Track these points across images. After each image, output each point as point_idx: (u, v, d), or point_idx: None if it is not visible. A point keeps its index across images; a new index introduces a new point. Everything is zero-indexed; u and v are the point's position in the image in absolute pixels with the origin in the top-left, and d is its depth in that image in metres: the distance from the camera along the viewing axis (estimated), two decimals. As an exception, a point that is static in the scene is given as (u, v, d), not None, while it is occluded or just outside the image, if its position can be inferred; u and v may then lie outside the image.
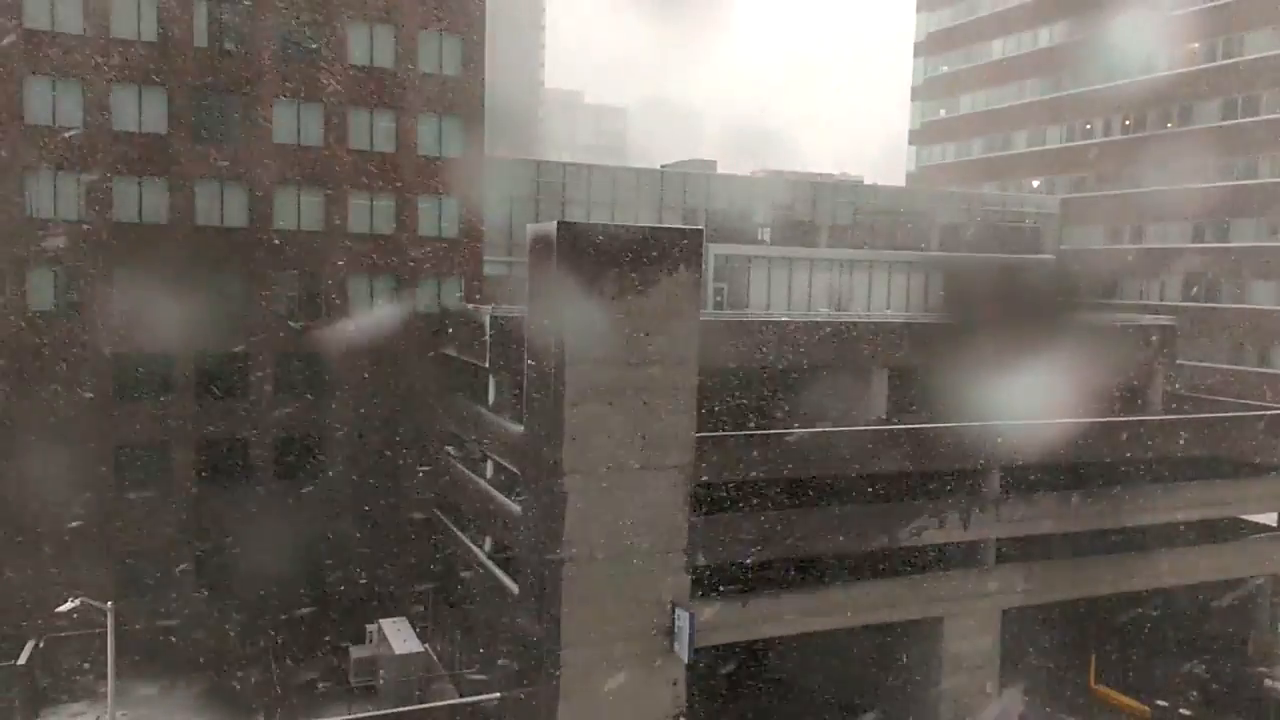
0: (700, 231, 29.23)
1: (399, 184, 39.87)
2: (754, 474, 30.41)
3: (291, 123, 38.30)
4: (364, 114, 39.28)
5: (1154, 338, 40.64)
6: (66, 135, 35.07)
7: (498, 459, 33.58)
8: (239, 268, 37.54)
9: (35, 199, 35.26)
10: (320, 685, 35.36)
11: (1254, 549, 38.34)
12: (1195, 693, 36.32)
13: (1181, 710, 34.47)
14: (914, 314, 50.94)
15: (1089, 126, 65.59)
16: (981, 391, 32.21)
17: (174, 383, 37.13)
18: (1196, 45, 58.89)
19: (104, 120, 35.65)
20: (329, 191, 38.87)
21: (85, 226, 35.63)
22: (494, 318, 32.77)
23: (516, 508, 30.85)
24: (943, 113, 77.57)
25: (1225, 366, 56.00)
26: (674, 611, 28.31)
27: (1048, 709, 34.04)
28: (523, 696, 29.35)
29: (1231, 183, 56.88)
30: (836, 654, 34.35)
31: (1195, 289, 58.80)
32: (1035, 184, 68.68)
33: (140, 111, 36.21)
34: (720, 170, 54.01)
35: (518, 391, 31.12)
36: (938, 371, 34.92)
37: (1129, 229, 63.07)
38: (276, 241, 38.15)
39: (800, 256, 50.36)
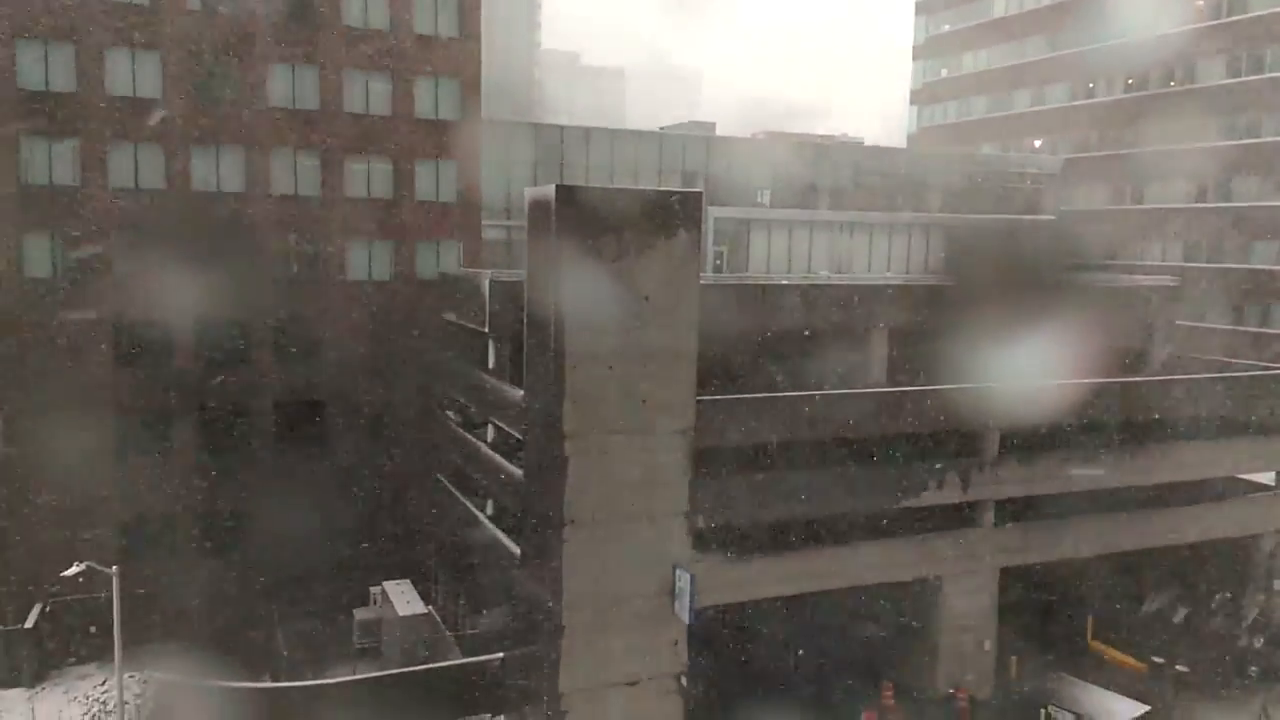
0: (699, 195, 29.09)
1: (396, 148, 39.61)
2: (755, 437, 30.53)
3: (287, 87, 38.00)
4: (360, 77, 38.95)
5: (1154, 299, 40.59)
6: (60, 100, 34.80)
7: (498, 423, 33.69)
8: (236, 233, 37.37)
9: (29, 165, 35.06)
10: (324, 647, 35.74)
11: (1252, 507, 38.57)
12: (1191, 649, 36.72)
13: (1178, 666, 34.87)
14: (914, 276, 50.87)
15: (1091, 86, 65.03)
16: (981, 353, 32.24)
17: (173, 349, 37.15)
18: (1201, 2, 58.21)
19: (98, 84, 35.34)
20: (325, 156, 38.64)
21: (81, 193, 35.46)
22: (493, 282, 32.71)
23: (518, 471, 31.00)
24: (944, 72, 76.85)
25: (1226, 327, 55.98)
26: (675, 572, 28.56)
27: (1048, 666, 34.41)
28: (525, 657, 29.69)
29: (1234, 142, 56.49)
30: (836, 613, 34.69)
31: (1196, 250, 58.63)
32: (1037, 144, 68.22)
33: (134, 75, 35.90)
34: (719, 133, 53.64)
35: (517, 356, 31.15)
36: (938, 334, 34.90)
37: (1130, 189, 62.75)
38: (274, 207, 37.99)
39: (800, 219, 50.15)
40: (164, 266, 35.95)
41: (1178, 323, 42.98)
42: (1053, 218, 58.13)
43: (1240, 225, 56.09)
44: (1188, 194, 59.37)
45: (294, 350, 38.65)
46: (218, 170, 37.30)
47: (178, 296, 35.96)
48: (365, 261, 39.76)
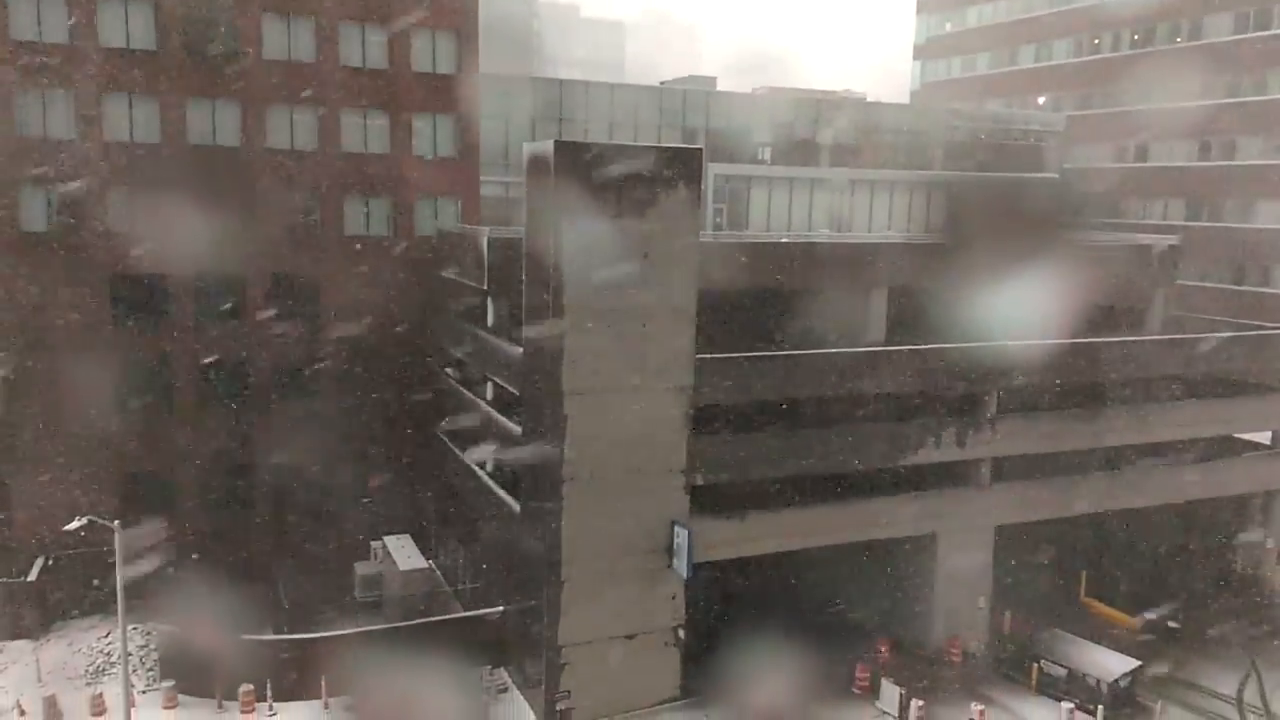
0: (699, 151, 28.87)
1: (393, 102, 39.19)
2: (753, 395, 30.60)
3: (282, 39, 37.50)
4: (356, 29, 38.42)
5: (1156, 258, 40.45)
6: (53, 52, 34.36)
7: (498, 380, 33.73)
8: (233, 188, 37.08)
9: (23, 118, 34.71)
10: (326, 600, 36.09)
11: (1246, 467, 38.78)
12: (1184, 605, 37.13)
13: (1170, 623, 35.29)
14: (915, 234, 50.63)
15: (1097, 42, 64.24)
16: (981, 312, 32.22)
17: (171, 304, 37.06)
18: (1210, -44, 57.36)
19: (92, 37, 34.87)
20: (322, 109, 38.24)
21: (76, 146, 35.14)
22: (492, 239, 32.56)
23: (517, 428, 31.10)
24: (948, 27, 75.87)
25: (1227, 287, 55.88)
26: (673, 529, 28.80)
27: (1041, 621, 34.78)
28: (525, 610, 30.02)
29: (1240, 100, 55.96)
30: (833, 569, 34.99)
31: (1199, 209, 58.31)
32: (1041, 101, 67.56)
33: (128, 27, 35.40)
34: (720, 87, 53.05)
35: (516, 313, 31.10)
36: (938, 292, 34.84)
37: (1134, 147, 62.27)
38: (270, 161, 37.67)
39: (801, 176, 49.78)
40: (160, 221, 35.75)
41: (1179, 282, 42.89)
42: (1056, 175, 57.72)
43: (1244, 184, 55.74)
44: (1191, 152, 58.93)
45: (292, 306, 38.54)
46: (213, 124, 36.93)
47: (174, 251, 35.81)
48: (362, 217, 39.52)
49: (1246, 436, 40.01)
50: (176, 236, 35.53)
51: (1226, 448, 39.73)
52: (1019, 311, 32.06)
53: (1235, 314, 47.90)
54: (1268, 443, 39.69)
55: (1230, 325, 40.87)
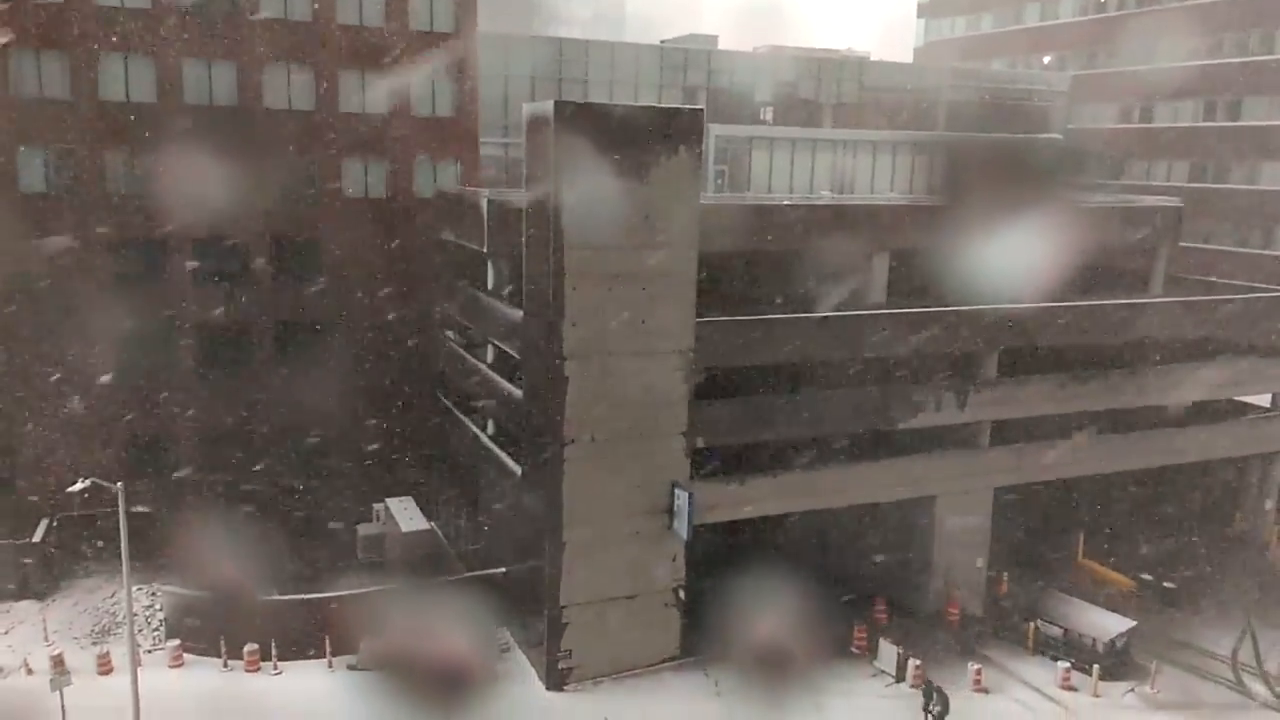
0: (700, 112, 28.58)
1: (391, 61, 38.73)
2: (754, 358, 30.59)
3: (279, -3, 37.02)
4: (353, -14, 37.90)
5: (1158, 219, 40.22)
6: (47, 11, 33.92)
7: (498, 343, 33.71)
8: (230, 149, 36.71)
9: (18, 77, 34.35)
10: (328, 561, 36.34)
11: (1246, 429, 38.88)
12: (1180, 566, 37.40)
13: (1165, 584, 35.57)
14: (917, 196, 50.31)
15: (1102, 0, 63.39)
16: (983, 273, 32.06)
17: (171, 267, 36.93)
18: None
19: (84, -6, 34.43)
20: (319, 69, 37.82)
21: (71, 106, 34.80)
22: (491, 201, 32.36)
23: (518, 391, 31.13)
24: (953, -16, 74.88)
25: (1229, 249, 55.62)
26: (673, 491, 28.93)
27: (1038, 583, 35.08)
28: (527, 571, 30.25)
29: (1247, 59, 55.32)
30: (831, 531, 35.23)
31: (1204, 170, 57.88)
32: (1046, 60, 66.80)
33: (121, -15, 34.94)
34: (722, 46, 52.44)
35: (516, 276, 31.00)
36: (940, 254, 34.66)
37: (1139, 108, 61.67)
38: (268, 121, 37.31)
39: (803, 137, 49.36)
40: (158, 182, 35.53)
41: (1181, 244, 42.68)
42: (1059, 136, 57.25)
43: (1249, 145, 55.29)
44: (1197, 113, 58.37)
45: (292, 267, 38.41)
46: (210, 83, 36.54)
47: (172, 213, 35.64)
48: (361, 178, 39.25)
49: (1247, 399, 40.11)
50: (174, 198, 35.34)
51: (1228, 410, 39.83)
52: (1020, 273, 31.93)
53: (1238, 276, 47.69)
54: (1268, 405, 39.78)
55: (1232, 288, 40.71)
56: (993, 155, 51.34)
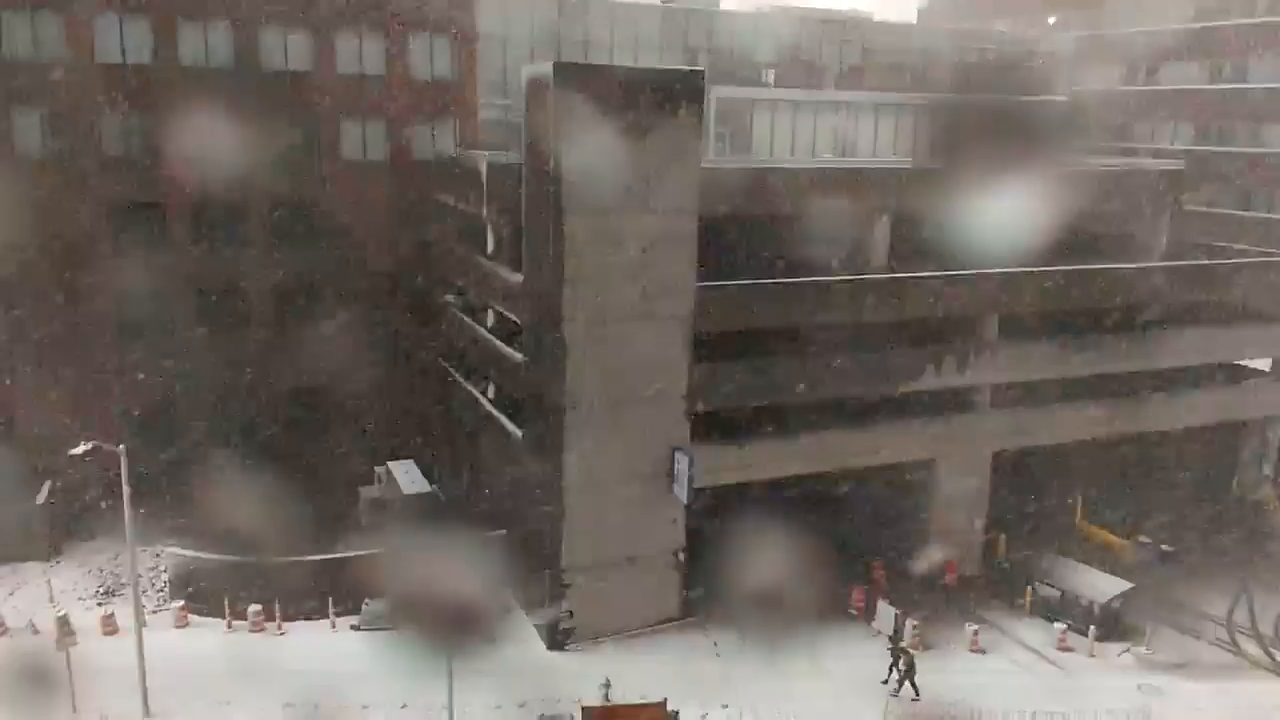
0: (702, 73, 28.31)
1: (389, 21, 38.30)
2: (755, 322, 30.56)
3: (273, -44, 36.52)
4: (349, -55, 37.41)
5: (1161, 182, 40.02)
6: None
7: (498, 307, 33.66)
8: (227, 110, 36.43)
9: (11, 39, 34.00)
10: (330, 524, 36.52)
11: (1246, 393, 38.95)
12: (1178, 530, 37.63)
13: (1162, 546, 35.80)
14: (920, 159, 49.96)
15: (1110, -42, 62.52)
16: (984, 237, 31.94)
17: (169, 229, 36.76)
18: None
19: (77, -47, 34.00)
20: (316, 30, 37.40)
21: (66, 67, 34.48)
22: (490, 164, 32.16)
23: (518, 356, 31.14)
24: (957, -57, 73.75)
25: (1233, 212, 55.30)
26: (674, 455, 29.05)
27: (1036, 545, 35.29)
28: (529, 534, 30.45)
29: (1256, 20, 54.66)
30: (830, 494, 35.35)
31: (1208, 132, 57.40)
32: (1051, 21, 66.00)
33: (114, -57, 34.49)
34: (724, 7, 51.82)
35: (516, 240, 30.89)
36: (941, 218, 34.52)
37: (1144, 69, 61.02)
38: (264, 83, 36.97)
39: (805, 99, 48.90)
40: (154, 144, 35.31)
41: (1186, 207, 42.49)
42: (1064, 98, 56.73)
43: (1254, 108, 54.80)
44: (1202, 75, 57.76)
45: (290, 230, 38.24)
46: (206, 44, 36.18)
47: (170, 175, 35.45)
48: (359, 141, 38.95)
49: (1248, 363, 40.14)
50: (171, 160, 35.17)
51: (1228, 374, 39.86)
52: (1022, 236, 31.81)
53: (1241, 240, 47.44)
54: (1267, 370, 39.82)
55: (1234, 252, 40.56)
56: (995, 117, 50.92)
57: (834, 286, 31.41)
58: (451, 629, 27.51)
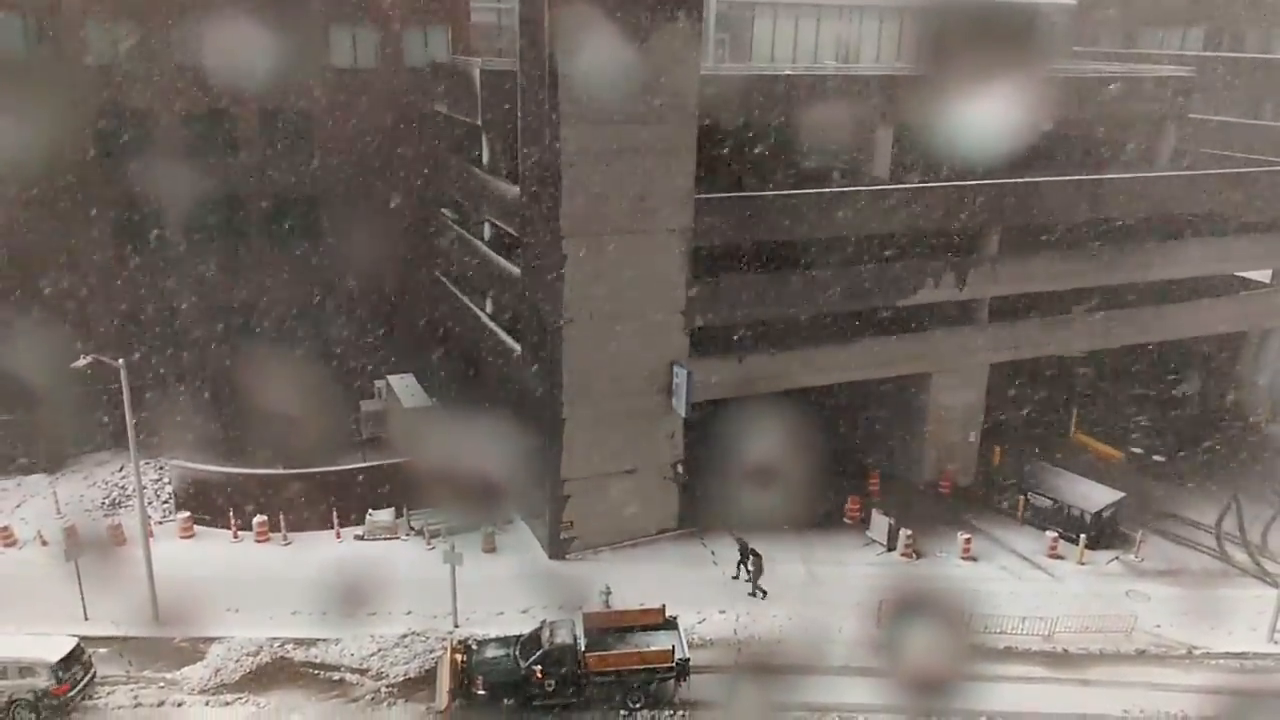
0: (701, -24, 27.41)
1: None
2: (754, 235, 30.27)
3: None
4: None
5: (1168, 90, 39.23)
6: None
7: (494, 221, 33.29)
8: (215, 18, 35.35)
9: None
10: (331, 437, 36.79)
11: (1241, 304, 38.88)
12: (1171, 441, 38.05)
13: (1154, 457, 36.24)
14: (922, 66, 48.81)
15: None
16: (985, 146, 31.41)
17: (160, 139, 36.02)
18: None
19: None
20: (303, -70, 36.05)
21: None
22: (484, 71, 31.38)
23: (515, 270, 30.93)
24: None
25: (1241, 120, 54.32)
26: (672, 369, 29.11)
27: (1031, 456, 35.71)
28: (528, 447, 30.70)
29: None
30: (826, 403, 35.60)
31: (1219, 38, 56.02)
32: (1062, -80, 63.73)
33: None
34: (724, -95, 49.94)
35: (512, 150, 30.36)
36: (943, 127, 33.90)
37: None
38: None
39: (806, 3, 47.56)
40: (141, 53, 34.38)
41: (1192, 116, 41.74)
42: (1073, 2, 55.22)
43: (1267, 12, 53.37)
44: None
45: (281, 141, 37.50)
46: (188, -54, 34.89)
47: (156, 84, 34.61)
48: (349, 46, 37.87)
49: (1247, 275, 39.99)
50: (158, 66, 34.28)
51: (1227, 285, 39.75)
52: (1024, 146, 31.31)
53: (1251, 149, 46.68)
54: (1267, 281, 39.68)
55: (1239, 161, 39.93)
56: (1001, 21, 49.60)
57: (834, 197, 30.99)
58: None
